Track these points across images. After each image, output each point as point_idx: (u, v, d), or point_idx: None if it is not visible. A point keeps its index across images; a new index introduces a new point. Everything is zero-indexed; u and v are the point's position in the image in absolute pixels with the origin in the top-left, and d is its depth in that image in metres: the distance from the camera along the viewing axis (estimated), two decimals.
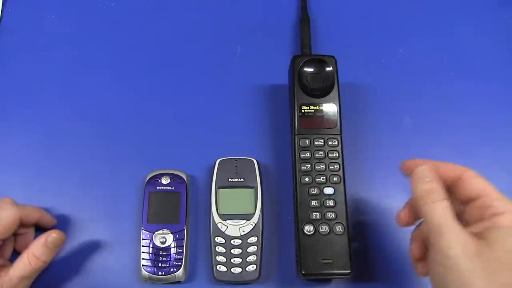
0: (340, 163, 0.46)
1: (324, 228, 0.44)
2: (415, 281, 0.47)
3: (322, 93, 0.48)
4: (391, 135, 0.52)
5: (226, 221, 0.46)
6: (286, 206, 0.49)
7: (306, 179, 0.46)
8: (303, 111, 0.47)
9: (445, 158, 0.51)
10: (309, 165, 0.46)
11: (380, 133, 0.52)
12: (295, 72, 0.49)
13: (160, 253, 0.46)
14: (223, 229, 0.46)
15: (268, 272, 0.47)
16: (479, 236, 0.33)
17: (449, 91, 0.54)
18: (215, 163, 0.49)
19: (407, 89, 0.54)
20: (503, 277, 0.31)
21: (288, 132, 0.49)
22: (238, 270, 0.45)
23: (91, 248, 0.48)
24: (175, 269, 0.45)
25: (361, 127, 0.52)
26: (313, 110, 0.47)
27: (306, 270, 0.43)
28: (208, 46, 0.56)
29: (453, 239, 0.33)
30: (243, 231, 0.46)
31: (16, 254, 0.46)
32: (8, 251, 0.46)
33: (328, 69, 0.49)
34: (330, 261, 0.43)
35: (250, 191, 0.47)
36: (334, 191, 0.45)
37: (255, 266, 0.45)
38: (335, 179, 0.46)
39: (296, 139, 0.47)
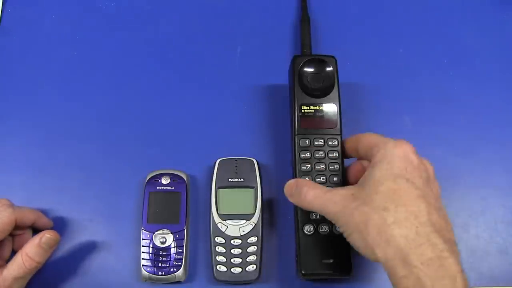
0: (340, 163, 0.46)
1: (324, 228, 0.44)
2: None
3: (322, 93, 0.48)
4: (391, 135, 0.52)
5: (226, 221, 0.46)
6: (286, 206, 0.49)
7: (306, 179, 0.46)
8: (303, 111, 0.47)
9: (445, 158, 0.51)
10: (309, 165, 0.46)
11: (380, 133, 0.52)
12: (295, 72, 0.49)
13: (160, 253, 0.46)
14: (223, 229, 0.46)
15: (268, 272, 0.47)
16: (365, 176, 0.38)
17: (449, 91, 0.54)
18: (215, 163, 0.49)
19: (407, 89, 0.54)
20: (375, 203, 0.35)
21: (288, 132, 0.49)
22: (238, 270, 0.45)
23: (91, 248, 0.48)
24: (175, 269, 0.45)
25: (361, 127, 0.52)
26: (313, 110, 0.47)
27: (306, 270, 0.43)
28: (208, 46, 0.56)
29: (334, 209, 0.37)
30: (243, 231, 0.46)
31: (14, 254, 0.46)
32: (6, 252, 0.45)
33: (328, 69, 0.49)
34: (330, 261, 0.43)
35: (250, 191, 0.47)
36: None
37: (255, 266, 0.45)
38: (335, 179, 0.46)
39: (296, 139, 0.47)
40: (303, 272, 0.43)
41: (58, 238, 0.44)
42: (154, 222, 0.46)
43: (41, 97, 0.54)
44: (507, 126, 0.53)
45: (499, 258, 0.48)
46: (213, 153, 0.50)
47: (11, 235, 0.45)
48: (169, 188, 0.48)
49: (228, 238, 0.46)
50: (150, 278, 0.45)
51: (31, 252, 0.42)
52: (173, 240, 0.46)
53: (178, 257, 0.46)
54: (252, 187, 0.47)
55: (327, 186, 0.45)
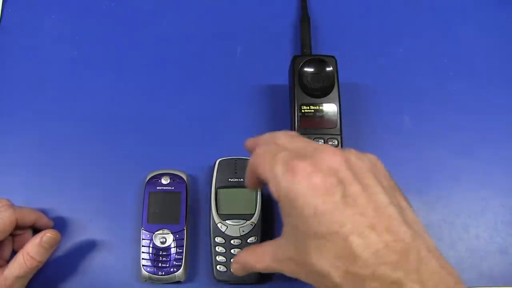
0: None
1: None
2: None
3: (322, 93, 0.48)
4: (391, 135, 0.52)
5: (226, 221, 0.46)
6: None
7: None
8: (303, 111, 0.47)
9: (445, 158, 0.51)
10: None
11: (380, 133, 0.52)
12: (295, 72, 0.49)
13: (160, 253, 0.46)
14: (223, 229, 0.46)
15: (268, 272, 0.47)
16: None
17: (449, 91, 0.54)
18: (215, 163, 0.49)
19: (407, 89, 0.54)
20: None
21: None
22: None
23: (91, 248, 0.48)
24: (175, 269, 0.45)
25: (361, 127, 0.52)
26: (313, 110, 0.47)
27: None
28: (208, 46, 0.56)
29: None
30: (243, 231, 0.46)
31: (14, 255, 0.45)
32: (6, 252, 0.45)
33: (328, 69, 0.49)
34: None
35: (250, 191, 0.47)
36: None
37: None
38: None
39: None
40: None
41: (59, 237, 0.44)
42: (154, 222, 0.46)
43: (41, 97, 0.54)
44: (507, 126, 0.53)
45: (499, 258, 0.48)
46: (213, 153, 0.50)
47: (12, 235, 0.45)
48: (169, 188, 0.48)
49: (228, 238, 0.46)
50: (150, 278, 0.45)
51: (32, 251, 0.42)
52: (173, 240, 0.46)
53: (178, 257, 0.46)
54: None
55: None
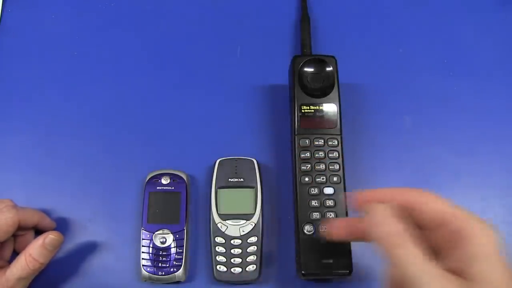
0: (340, 163, 0.46)
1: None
2: None
3: (322, 93, 0.48)
4: (391, 135, 0.52)
5: (226, 221, 0.46)
6: (286, 206, 0.49)
7: (306, 179, 0.46)
8: (303, 111, 0.47)
9: (445, 158, 0.51)
10: (309, 165, 0.46)
11: (380, 133, 0.52)
12: (295, 72, 0.49)
13: (160, 253, 0.46)
14: (223, 229, 0.46)
15: (268, 272, 0.47)
16: (458, 272, 0.29)
17: (449, 91, 0.54)
18: (215, 163, 0.49)
19: (407, 89, 0.54)
20: None
21: (288, 132, 0.49)
22: (238, 270, 0.45)
23: (91, 248, 0.48)
24: (175, 269, 0.45)
25: (361, 127, 0.52)
26: (313, 110, 0.47)
27: (306, 270, 0.43)
28: (208, 46, 0.56)
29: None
30: (243, 231, 0.46)
31: (15, 255, 0.45)
32: (7, 253, 0.45)
33: (328, 69, 0.49)
34: (330, 261, 0.43)
35: (250, 191, 0.47)
36: (334, 191, 0.45)
37: (255, 266, 0.45)
38: (335, 179, 0.46)
39: (296, 139, 0.47)
40: (303, 272, 0.43)
41: (61, 239, 0.44)
42: (154, 222, 0.46)
43: (41, 97, 0.54)
44: (507, 126, 0.53)
45: None
46: (213, 153, 0.50)
47: (14, 235, 0.45)
48: (169, 188, 0.48)
49: (228, 238, 0.46)
50: (150, 278, 0.45)
51: (34, 253, 0.42)
52: (173, 240, 0.46)
53: (178, 257, 0.46)
54: (252, 187, 0.47)
55: (327, 186, 0.46)
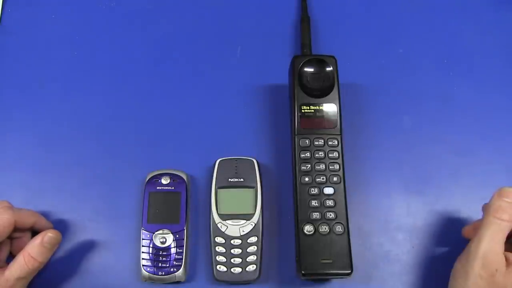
0: (340, 163, 0.46)
1: (324, 228, 0.44)
2: (415, 281, 0.47)
3: (322, 93, 0.48)
4: (391, 135, 0.52)
5: (226, 221, 0.46)
6: (286, 206, 0.49)
7: (306, 179, 0.46)
8: (303, 111, 0.47)
9: (445, 158, 0.51)
10: (309, 165, 0.46)
11: (380, 133, 0.52)
12: (295, 72, 0.49)
13: (160, 253, 0.46)
14: (223, 229, 0.46)
15: (268, 272, 0.47)
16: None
17: (449, 91, 0.54)
18: (215, 163, 0.49)
19: (407, 89, 0.54)
20: None
21: (288, 132, 0.49)
22: (238, 270, 0.45)
23: (91, 248, 0.48)
24: (175, 269, 0.45)
25: (361, 127, 0.52)
26: (313, 110, 0.47)
27: (306, 270, 0.43)
28: (208, 46, 0.56)
29: (480, 252, 0.39)
30: (243, 231, 0.46)
31: (11, 257, 0.45)
32: (3, 254, 0.45)
33: (328, 69, 0.49)
34: (330, 261, 0.43)
35: (250, 191, 0.47)
36: (334, 191, 0.45)
37: (255, 266, 0.45)
38: (335, 179, 0.46)
39: (296, 139, 0.47)
40: (303, 272, 0.43)
41: (60, 237, 0.44)
42: (154, 222, 0.46)
43: (41, 97, 0.54)
44: (507, 126, 0.53)
45: None
46: (213, 153, 0.50)
47: (10, 238, 0.45)
48: (169, 188, 0.48)
49: (228, 238, 0.46)
50: (150, 278, 0.45)
51: (33, 252, 0.42)
52: (173, 240, 0.46)
53: (178, 257, 0.46)
54: (252, 187, 0.47)
55: (327, 186, 0.46)
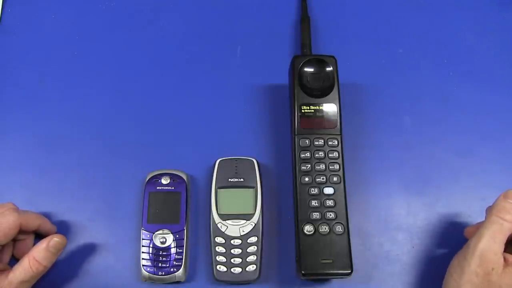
0: (340, 163, 0.46)
1: (324, 228, 0.44)
2: (415, 281, 0.47)
3: (322, 93, 0.48)
4: (391, 135, 0.52)
5: (226, 221, 0.46)
6: (286, 206, 0.49)
7: (306, 179, 0.46)
8: (303, 111, 0.47)
9: (445, 158, 0.51)
10: (309, 165, 0.46)
11: (380, 133, 0.52)
12: (295, 72, 0.49)
13: (160, 253, 0.46)
14: (223, 229, 0.46)
15: (268, 272, 0.47)
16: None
17: (449, 91, 0.54)
18: (215, 163, 0.49)
19: (407, 89, 0.54)
20: None
21: (288, 132, 0.49)
22: (238, 270, 0.45)
23: (91, 248, 0.48)
24: (175, 269, 0.45)
25: (361, 127, 0.52)
26: (313, 110, 0.47)
27: (306, 270, 0.43)
28: (208, 46, 0.56)
29: (478, 249, 0.39)
30: (243, 231, 0.46)
31: (14, 260, 0.45)
32: (7, 256, 0.45)
33: (328, 69, 0.49)
34: (330, 261, 0.43)
35: (250, 191, 0.47)
36: (334, 191, 0.45)
37: (255, 266, 0.45)
38: (335, 179, 0.46)
39: (296, 139, 0.47)
40: (303, 272, 0.43)
41: (65, 242, 0.44)
42: (154, 222, 0.46)
43: (41, 97, 0.54)
44: (507, 126, 0.53)
45: None
46: (213, 153, 0.50)
47: (13, 240, 0.45)
48: (169, 188, 0.48)
49: (228, 238, 0.46)
50: (150, 278, 0.45)
51: (38, 256, 0.42)
52: (173, 240, 0.46)
53: (178, 257, 0.46)
54: (252, 187, 0.47)
55: (327, 186, 0.46)
